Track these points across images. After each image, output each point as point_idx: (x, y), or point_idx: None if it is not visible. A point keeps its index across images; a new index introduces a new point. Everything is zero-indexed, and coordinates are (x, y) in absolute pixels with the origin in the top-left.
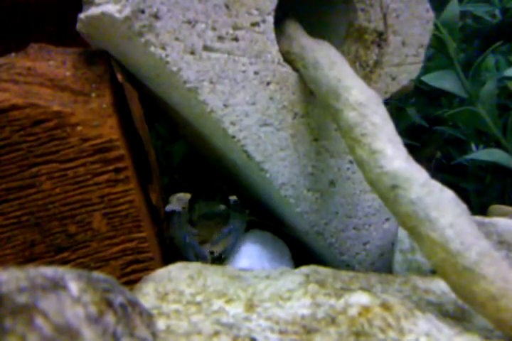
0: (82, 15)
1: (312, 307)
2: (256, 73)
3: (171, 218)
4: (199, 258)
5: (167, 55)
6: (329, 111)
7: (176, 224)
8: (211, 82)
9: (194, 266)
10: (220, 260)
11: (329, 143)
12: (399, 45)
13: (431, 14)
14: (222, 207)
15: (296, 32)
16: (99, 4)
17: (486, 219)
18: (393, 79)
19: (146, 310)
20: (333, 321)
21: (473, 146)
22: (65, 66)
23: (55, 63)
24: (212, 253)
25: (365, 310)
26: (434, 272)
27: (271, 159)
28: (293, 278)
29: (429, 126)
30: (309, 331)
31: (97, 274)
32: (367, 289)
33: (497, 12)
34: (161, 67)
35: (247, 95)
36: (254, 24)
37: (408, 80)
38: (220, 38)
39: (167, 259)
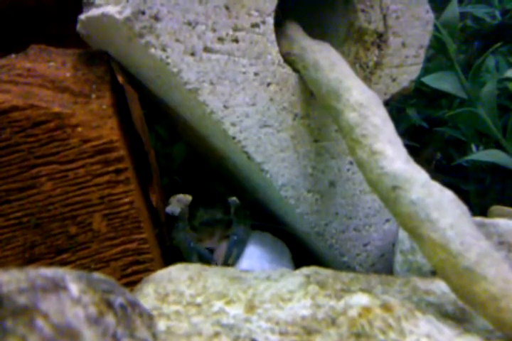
0: (82, 17)
1: (312, 308)
2: (256, 74)
3: (172, 220)
4: (203, 261)
5: (167, 57)
6: (329, 112)
7: (180, 228)
8: (211, 83)
9: (194, 267)
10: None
11: (329, 144)
12: (399, 46)
13: (431, 15)
14: (222, 214)
15: (297, 33)
16: (99, 5)
17: (487, 220)
18: (393, 80)
19: (146, 311)
20: (333, 322)
21: (473, 147)
22: (65, 67)
23: (55, 64)
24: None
25: (366, 311)
26: (434, 273)
27: (271, 160)
28: (293, 279)
29: (429, 127)
30: (310, 332)
31: (97, 275)
32: (367, 290)
33: (497, 13)
34: (161, 68)
35: (247, 96)
36: (254, 25)
37: (408, 81)
38: (220, 39)
39: (167, 260)
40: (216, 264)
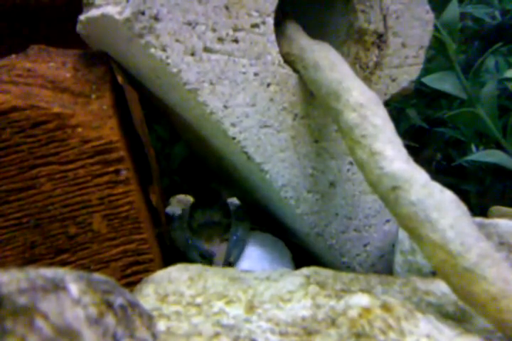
0: (82, 17)
1: (312, 308)
2: (256, 74)
3: (172, 221)
4: (204, 257)
5: (167, 57)
6: (329, 112)
7: (177, 227)
8: (211, 84)
9: (194, 268)
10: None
11: (329, 145)
12: (399, 46)
13: (431, 15)
14: (220, 216)
15: (297, 33)
16: (99, 6)
17: (487, 221)
18: (393, 80)
19: (146, 311)
20: (333, 322)
21: (473, 148)
22: (65, 67)
23: (55, 65)
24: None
25: (366, 311)
26: (434, 273)
27: (271, 160)
28: (293, 279)
29: (429, 128)
30: (310, 332)
31: (97, 276)
32: (367, 290)
33: (497, 13)
34: (161, 68)
35: (247, 96)
36: (254, 25)
37: (408, 82)
38: (220, 40)
39: (167, 261)
40: (217, 265)
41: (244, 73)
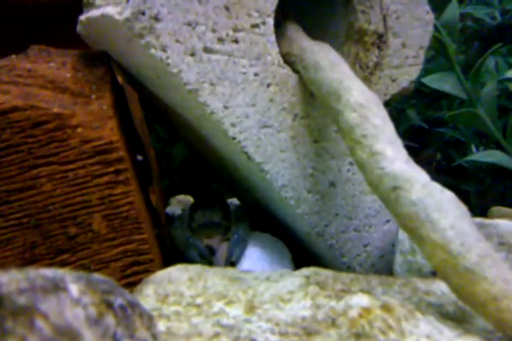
0: (82, 17)
1: (312, 308)
2: (256, 75)
3: (172, 221)
4: (204, 256)
5: (167, 57)
6: (330, 112)
7: (178, 226)
8: (211, 84)
9: (194, 268)
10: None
11: (329, 145)
12: (399, 46)
13: (431, 16)
14: (220, 218)
15: (296, 34)
16: (99, 6)
17: (487, 221)
18: (393, 80)
19: (146, 311)
20: (333, 323)
21: (473, 148)
22: (65, 68)
23: (55, 65)
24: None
25: (366, 311)
26: (434, 273)
27: (271, 160)
28: (293, 279)
29: (429, 128)
30: (310, 333)
31: (96, 276)
32: (367, 291)
33: (497, 14)
34: (161, 68)
35: (247, 97)
36: (254, 26)
37: (408, 82)
38: (220, 40)
39: (167, 261)
40: (218, 264)
41: (244, 73)
